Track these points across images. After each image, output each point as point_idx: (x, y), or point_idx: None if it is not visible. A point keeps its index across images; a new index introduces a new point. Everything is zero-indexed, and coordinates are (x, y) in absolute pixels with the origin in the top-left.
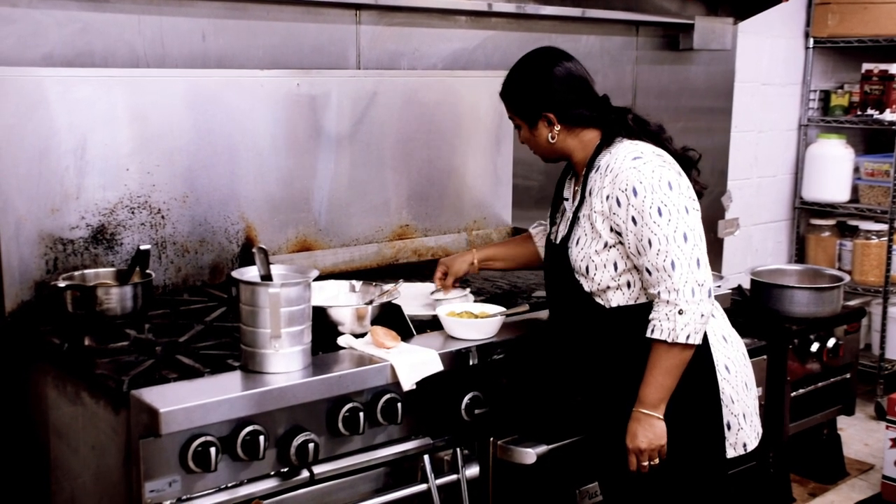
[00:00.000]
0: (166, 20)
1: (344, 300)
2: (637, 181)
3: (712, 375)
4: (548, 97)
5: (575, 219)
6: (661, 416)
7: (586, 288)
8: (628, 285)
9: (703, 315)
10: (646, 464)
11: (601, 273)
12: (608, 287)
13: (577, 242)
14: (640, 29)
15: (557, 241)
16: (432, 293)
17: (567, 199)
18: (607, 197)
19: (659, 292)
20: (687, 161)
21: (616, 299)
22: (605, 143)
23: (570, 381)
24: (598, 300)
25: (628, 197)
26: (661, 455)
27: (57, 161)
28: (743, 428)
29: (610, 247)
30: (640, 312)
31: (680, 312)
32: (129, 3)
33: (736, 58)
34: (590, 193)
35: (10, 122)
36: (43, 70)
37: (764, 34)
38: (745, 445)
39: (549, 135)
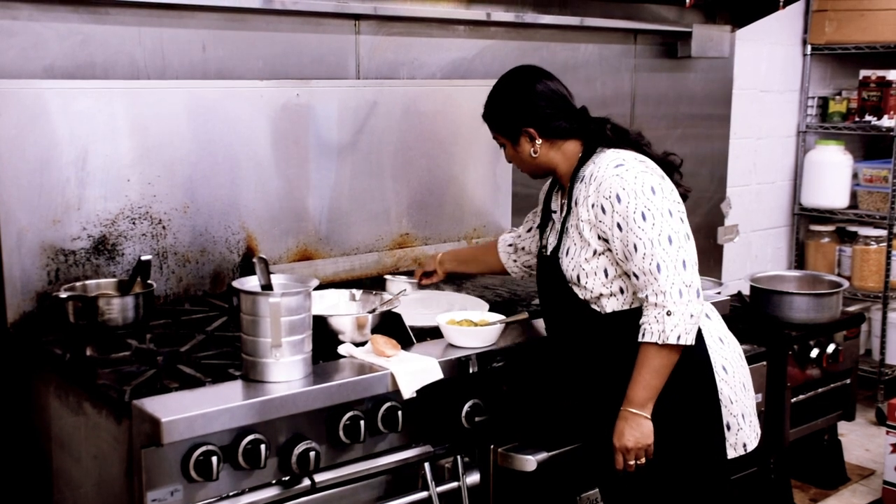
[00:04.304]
0: (166, 31)
1: (344, 309)
2: (620, 188)
3: (710, 377)
4: (527, 112)
5: (563, 230)
6: (648, 416)
7: (580, 296)
8: (621, 291)
9: (692, 315)
10: (632, 463)
11: (592, 280)
12: (601, 294)
13: (568, 252)
14: (638, 37)
15: (548, 253)
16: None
17: (555, 212)
18: (592, 205)
19: (647, 296)
20: (669, 165)
21: (611, 305)
22: (588, 153)
23: (569, 387)
24: (594, 307)
25: (612, 204)
26: (648, 455)
27: (58, 172)
28: (742, 428)
29: (599, 254)
30: (636, 317)
31: (668, 314)
32: (130, 16)
33: (734, 65)
34: (576, 203)
35: (11, 133)
36: (44, 82)
37: (762, 41)
38: (745, 446)
39: (532, 150)
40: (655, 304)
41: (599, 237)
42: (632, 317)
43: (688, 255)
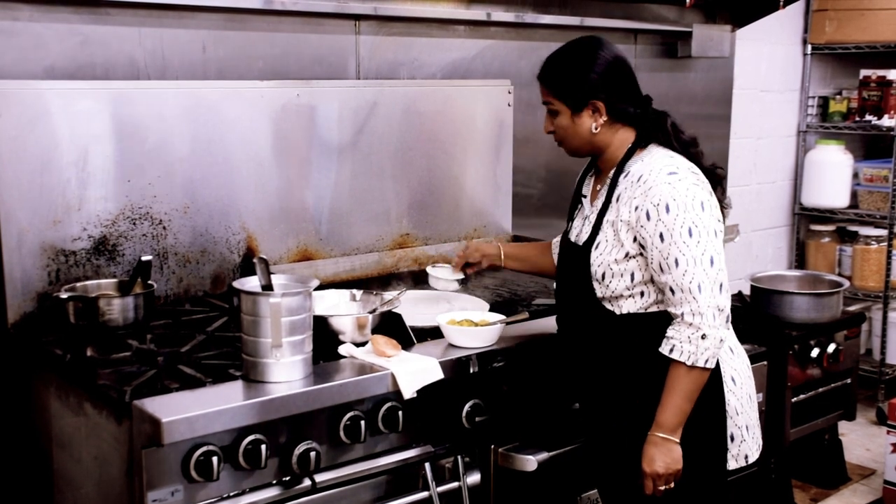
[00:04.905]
0: (166, 32)
1: (345, 309)
2: (671, 198)
3: (719, 387)
4: (601, 84)
5: (599, 223)
6: (678, 441)
7: (598, 294)
8: (641, 294)
9: (721, 340)
10: (662, 488)
11: (617, 281)
12: (621, 295)
13: (598, 247)
14: (638, 37)
15: (580, 243)
16: (434, 265)
17: (585, 197)
18: (636, 208)
19: (683, 313)
20: (714, 179)
21: (627, 306)
22: (638, 145)
23: (571, 387)
24: (608, 306)
25: (659, 212)
26: (676, 479)
27: (59, 173)
28: (746, 440)
29: (631, 257)
30: (650, 321)
31: (703, 337)
32: (130, 16)
33: (734, 65)
34: (617, 199)
35: (12, 134)
36: (44, 83)
37: (762, 41)
38: (746, 457)
39: (593, 125)
40: (690, 324)
41: (635, 240)
42: (645, 321)
43: (725, 278)
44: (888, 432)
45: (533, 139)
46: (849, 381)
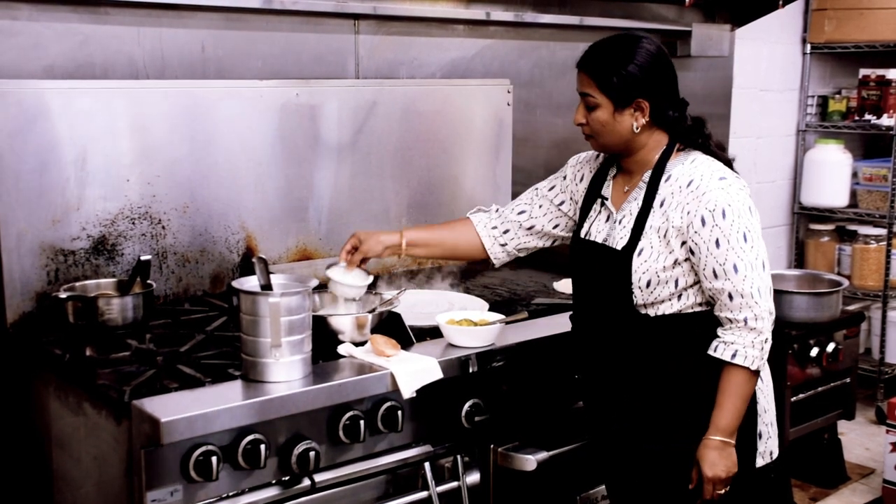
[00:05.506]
0: (166, 31)
1: (344, 309)
2: (726, 203)
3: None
4: (650, 83)
5: (639, 228)
6: (734, 444)
7: (639, 300)
8: (679, 297)
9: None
10: (721, 492)
11: (661, 288)
12: (663, 300)
13: (641, 254)
14: None
15: (617, 248)
16: (328, 267)
17: (606, 199)
18: (688, 213)
19: (746, 319)
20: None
21: (664, 309)
22: (673, 148)
23: (582, 383)
24: (643, 310)
25: (715, 218)
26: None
27: (58, 172)
28: (771, 437)
29: (678, 263)
30: (685, 322)
31: (766, 341)
32: (129, 16)
33: (734, 64)
34: (661, 204)
35: (11, 133)
36: (44, 82)
37: (761, 40)
38: (771, 453)
39: (635, 124)
40: (753, 329)
41: (684, 244)
42: (678, 321)
43: (771, 283)
44: (887, 431)
45: (532, 139)
46: (848, 380)
